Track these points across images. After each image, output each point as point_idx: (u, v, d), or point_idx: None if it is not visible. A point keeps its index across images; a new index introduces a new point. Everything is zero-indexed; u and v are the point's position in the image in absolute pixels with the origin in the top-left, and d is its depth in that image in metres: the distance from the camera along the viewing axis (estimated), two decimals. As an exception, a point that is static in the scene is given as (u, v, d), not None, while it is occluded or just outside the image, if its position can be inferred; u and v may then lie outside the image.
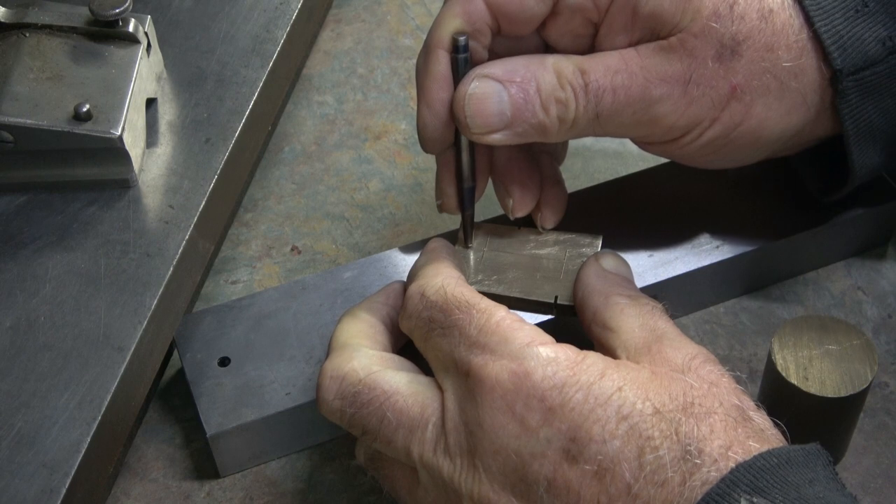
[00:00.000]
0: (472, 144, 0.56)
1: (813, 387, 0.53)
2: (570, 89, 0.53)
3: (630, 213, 0.64)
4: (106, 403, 0.51)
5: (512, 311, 0.50)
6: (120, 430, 0.54)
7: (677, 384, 0.46)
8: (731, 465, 0.43)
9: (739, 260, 0.62)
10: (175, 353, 0.60)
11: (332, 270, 0.63)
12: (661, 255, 0.62)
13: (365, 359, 0.51)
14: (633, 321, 0.50)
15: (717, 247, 0.62)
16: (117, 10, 0.60)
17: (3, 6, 0.60)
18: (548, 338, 0.48)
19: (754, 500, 0.42)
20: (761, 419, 0.46)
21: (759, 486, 0.42)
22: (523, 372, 0.46)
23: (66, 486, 0.49)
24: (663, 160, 0.66)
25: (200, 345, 0.59)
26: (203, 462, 0.59)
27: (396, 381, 0.50)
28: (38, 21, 0.60)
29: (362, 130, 0.75)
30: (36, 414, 0.51)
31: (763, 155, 0.58)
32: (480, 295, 0.50)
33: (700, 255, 0.62)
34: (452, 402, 0.48)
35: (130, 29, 0.61)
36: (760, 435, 0.45)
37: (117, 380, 0.52)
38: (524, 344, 0.47)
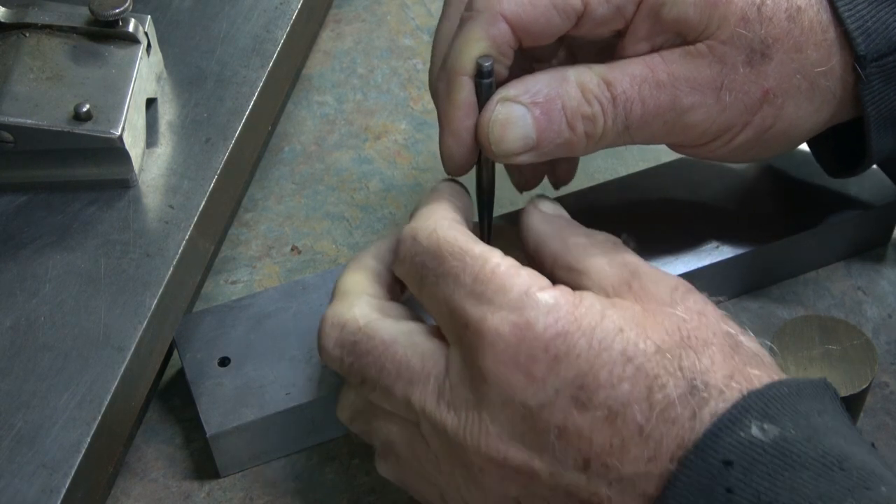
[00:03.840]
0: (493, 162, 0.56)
1: (813, 387, 0.53)
2: (597, 103, 0.52)
3: (630, 213, 0.64)
4: (106, 403, 0.52)
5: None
6: (120, 430, 0.54)
7: (670, 319, 0.46)
8: (736, 394, 0.44)
9: (739, 260, 0.62)
10: (175, 353, 0.60)
11: (332, 270, 0.63)
12: (661, 255, 0.62)
13: (366, 307, 0.51)
14: (599, 259, 0.50)
15: (717, 247, 0.62)
16: (117, 10, 0.60)
17: (3, 6, 0.60)
18: (545, 281, 0.47)
19: (765, 426, 0.42)
20: (750, 343, 0.47)
21: (770, 414, 0.43)
22: (524, 323, 0.46)
23: (66, 486, 0.49)
24: (663, 160, 0.66)
25: (200, 345, 0.59)
26: (203, 462, 0.59)
27: (396, 330, 0.50)
28: (38, 21, 0.60)
29: (362, 130, 0.75)
30: (36, 414, 0.51)
31: (792, 148, 0.58)
32: (475, 238, 0.49)
33: (700, 255, 0.62)
34: (455, 356, 0.48)
35: (130, 29, 0.61)
36: (755, 360, 0.46)
37: (117, 380, 0.52)
38: (522, 292, 0.46)
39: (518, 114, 0.52)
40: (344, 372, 0.51)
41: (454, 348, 0.48)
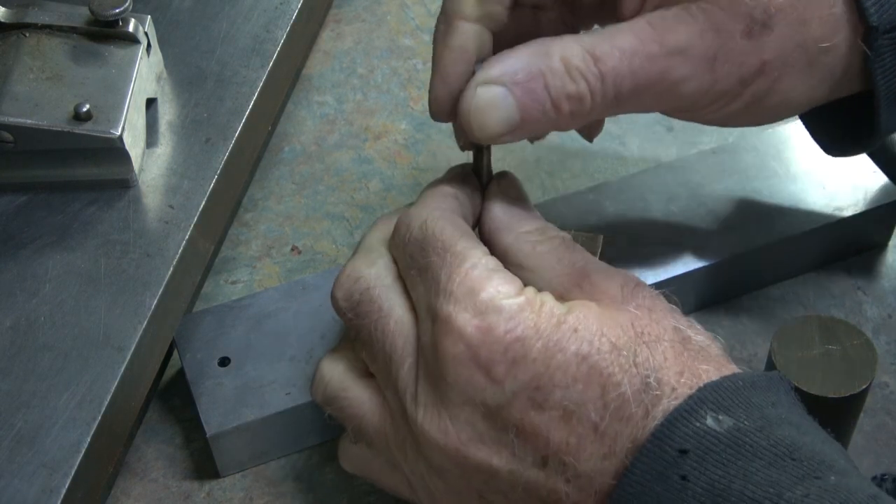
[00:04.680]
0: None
1: (813, 387, 0.53)
2: (583, 81, 0.50)
3: (630, 213, 0.64)
4: (106, 403, 0.52)
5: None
6: (120, 430, 0.54)
7: (623, 315, 0.47)
8: (686, 391, 0.44)
9: (738, 260, 0.62)
10: (175, 353, 0.60)
11: (332, 270, 0.63)
12: (660, 256, 0.62)
13: (382, 269, 0.52)
14: (549, 258, 0.50)
15: (717, 247, 0.62)
16: (117, 10, 0.60)
17: (3, 6, 0.60)
18: (512, 285, 0.48)
19: (719, 416, 0.43)
20: (698, 336, 0.48)
21: (724, 405, 0.44)
22: (486, 327, 0.46)
23: (66, 486, 0.49)
24: (663, 161, 0.66)
25: (200, 345, 0.59)
26: (203, 462, 0.59)
27: (396, 304, 0.50)
28: (38, 21, 0.60)
29: (362, 130, 0.75)
30: (36, 414, 0.51)
31: (786, 118, 0.57)
32: (461, 232, 0.49)
33: (699, 255, 0.62)
34: (424, 350, 0.48)
35: (130, 29, 0.61)
36: (703, 355, 0.47)
37: (117, 380, 0.52)
38: (489, 298, 0.47)
39: (499, 95, 0.50)
40: (345, 323, 0.52)
41: (423, 340, 0.49)
